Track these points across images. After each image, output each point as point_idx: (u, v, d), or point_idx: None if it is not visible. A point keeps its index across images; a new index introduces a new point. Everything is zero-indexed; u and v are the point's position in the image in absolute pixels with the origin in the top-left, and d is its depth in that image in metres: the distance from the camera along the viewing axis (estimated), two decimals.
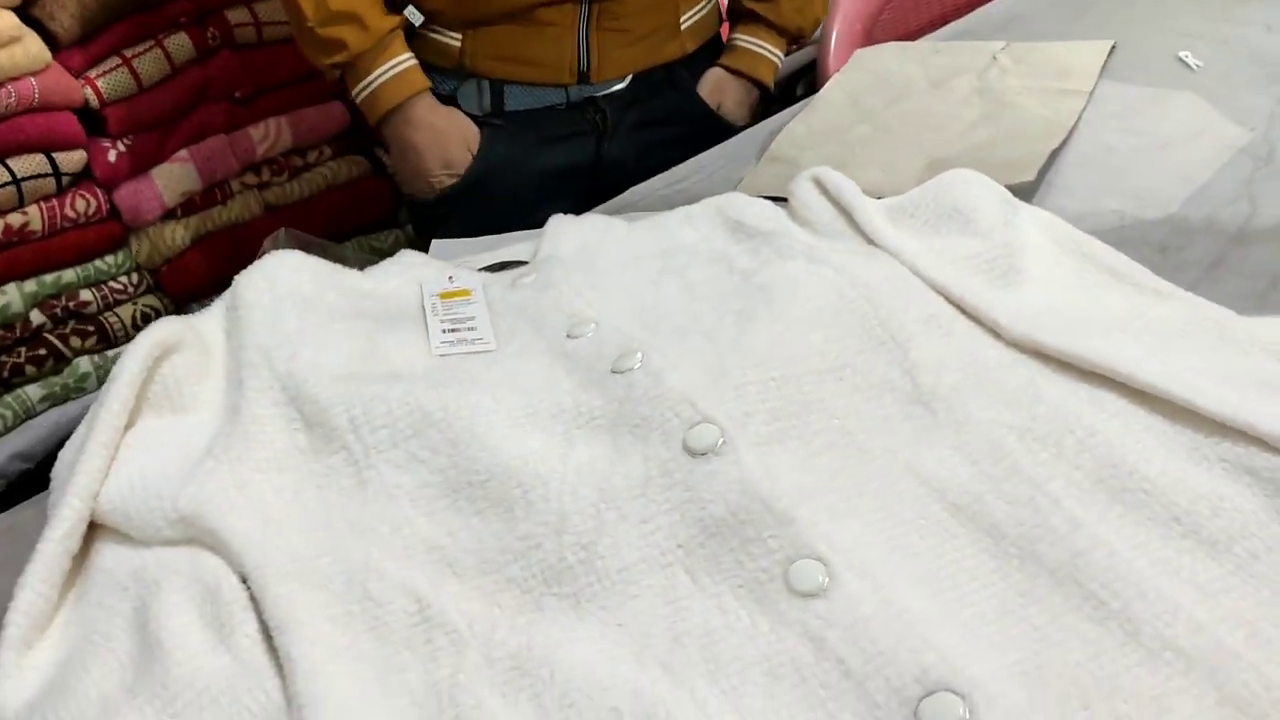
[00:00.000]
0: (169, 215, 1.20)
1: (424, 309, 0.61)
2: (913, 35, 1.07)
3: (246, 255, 0.63)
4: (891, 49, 0.93)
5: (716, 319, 0.53)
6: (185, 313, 1.15)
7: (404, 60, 0.99)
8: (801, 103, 0.89)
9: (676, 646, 0.40)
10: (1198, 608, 0.37)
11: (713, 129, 1.02)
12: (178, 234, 1.18)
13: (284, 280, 0.57)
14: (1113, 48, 0.86)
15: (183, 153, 1.20)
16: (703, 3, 1.06)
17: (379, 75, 0.99)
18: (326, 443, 0.50)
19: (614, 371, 0.51)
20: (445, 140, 1.01)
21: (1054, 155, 0.73)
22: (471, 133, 1.02)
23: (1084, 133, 0.76)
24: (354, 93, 1.00)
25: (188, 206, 1.21)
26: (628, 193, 0.83)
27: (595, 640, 0.41)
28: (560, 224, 0.68)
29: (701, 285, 0.57)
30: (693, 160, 0.85)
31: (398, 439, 0.49)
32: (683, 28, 1.05)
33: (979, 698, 0.35)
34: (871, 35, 1.12)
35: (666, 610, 0.42)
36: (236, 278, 0.58)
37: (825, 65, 1.06)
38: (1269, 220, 0.65)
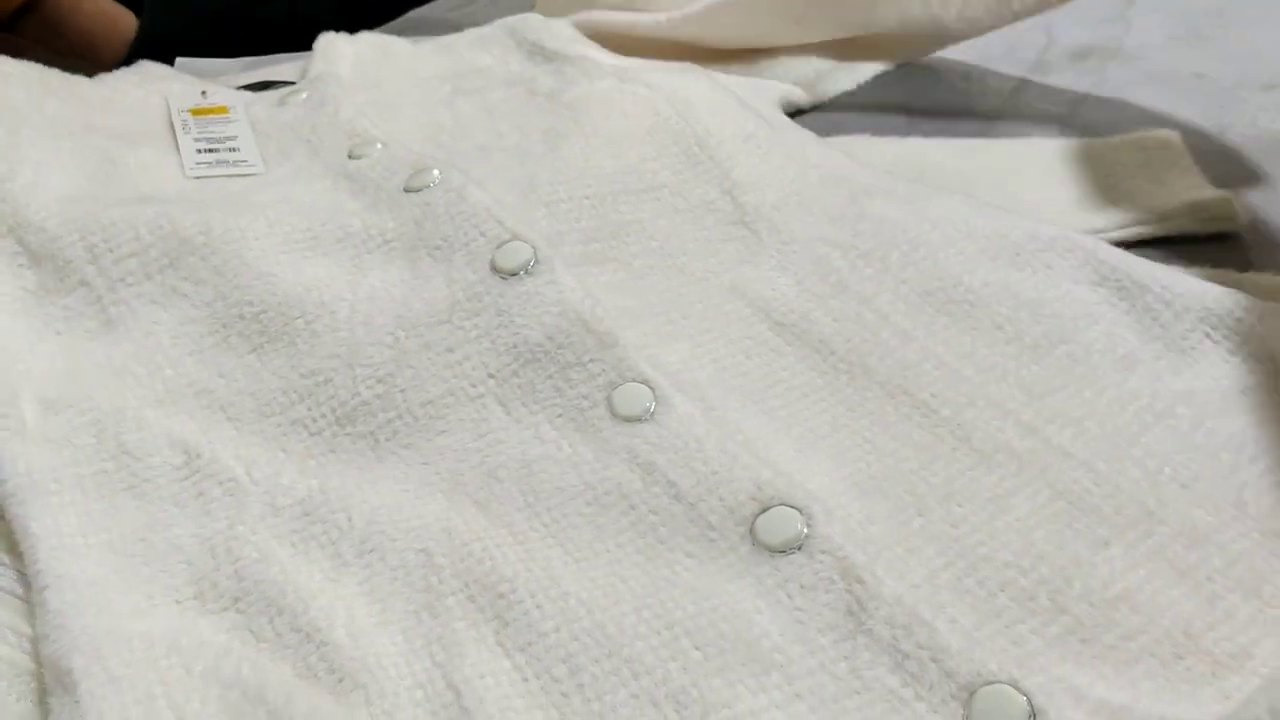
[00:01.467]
0: None
1: (173, 126, 0.54)
2: None
3: None
4: None
5: (521, 137, 0.49)
6: None
7: None
8: None
9: (491, 481, 0.37)
10: (1025, 410, 0.38)
11: None
12: None
13: None
14: None
15: None
16: None
17: None
18: (60, 279, 0.43)
19: (407, 190, 0.46)
20: None
21: None
22: None
23: None
24: None
25: None
26: (405, 16, 0.77)
27: (398, 480, 0.38)
28: (332, 41, 0.62)
29: (501, 105, 0.53)
30: None
31: (150, 269, 0.43)
32: None
33: (816, 509, 0.34)
34: None
35: (478, 444, 0.38)
36: None
37: None
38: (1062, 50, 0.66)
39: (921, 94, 0.62)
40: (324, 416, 0.39)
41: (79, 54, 0.76)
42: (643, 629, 0.33)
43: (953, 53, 0.64)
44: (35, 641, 0.33)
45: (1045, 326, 0.40)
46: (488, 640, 0.33)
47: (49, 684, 0.32)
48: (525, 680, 0.32)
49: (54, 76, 0.53)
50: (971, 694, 0.30)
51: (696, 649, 0.32)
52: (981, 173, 0.52)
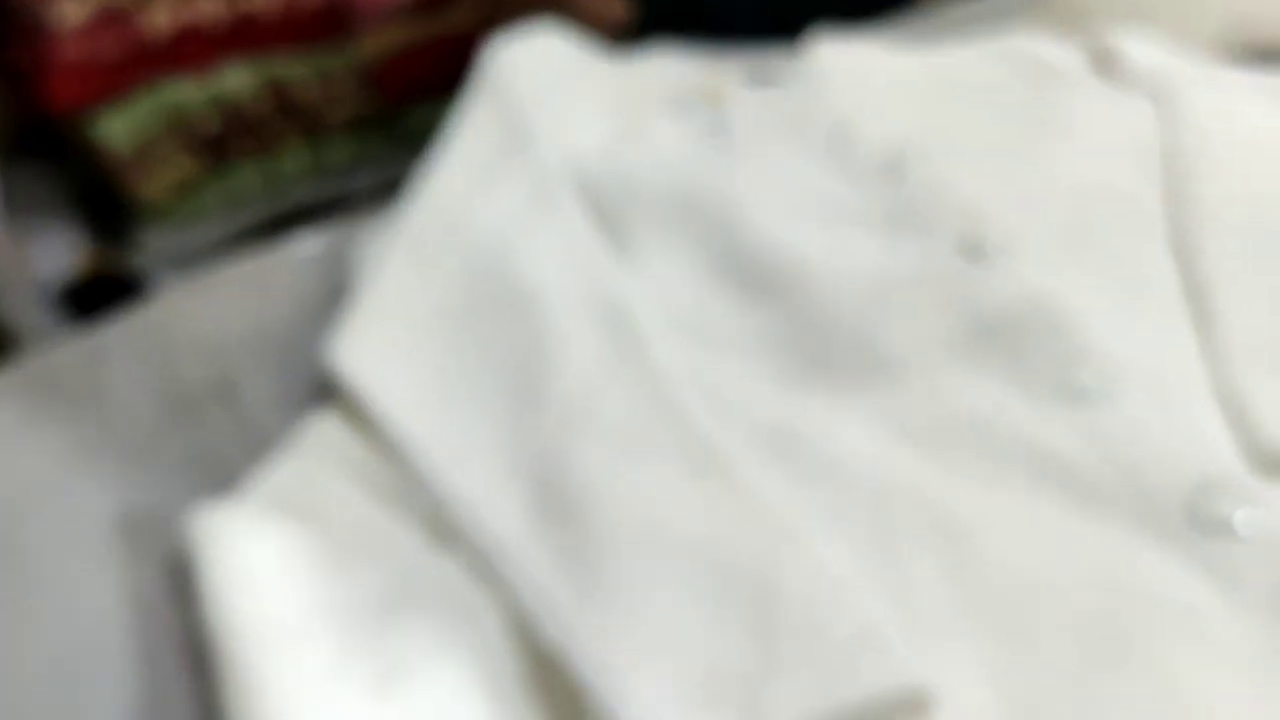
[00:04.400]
0: (395, 12, 1.25)
1: (675, 103, 0.63)
2: None
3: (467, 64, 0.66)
4: None
5: (1001, 133, 0.55)
6: (397, 115, 1.22)
7: None
8: None
9: (943, 434, 0.43)
10: None
11: None
12: (401, 33, 1.23)
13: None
14: None
15: None
16: None
17: None
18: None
19: (888, 174, 0.53)
20: None
21: None
22: None
23: None
24: None
25: (416, 4, 1.25)
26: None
27: (860, 424, 0.44)
28: (818, 43, 0.69)
29: (984, 102, 0.58)
30: None
31: (667, 219, 0.52)
32: None
33: (1256, 497, 0.37)
34: None
35: (933, 400, 0.44)
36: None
37: None
38: None
39: None
40: (799, 360, 0.47)
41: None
42: (1084, 583, 0.37)
43: None
44: None
45: None
46: (935, 567, 0.38)
47: None
48: (966, 608, 0.37)
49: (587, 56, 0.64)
50: None
51: (1135, 608, 0.36)
52: None
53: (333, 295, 0.54)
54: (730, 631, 0.36)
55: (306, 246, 0.60)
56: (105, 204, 1.11)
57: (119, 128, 1.05)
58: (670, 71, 0.67)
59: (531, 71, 0.59)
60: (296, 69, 1.17)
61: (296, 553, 0.41)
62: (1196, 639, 0.35)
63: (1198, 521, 0.38)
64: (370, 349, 0.48)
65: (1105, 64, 0.61)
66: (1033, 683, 0.35)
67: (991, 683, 0.35)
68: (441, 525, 0.42)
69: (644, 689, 0.34)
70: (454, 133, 0.57)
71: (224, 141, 1.13)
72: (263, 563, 0.40)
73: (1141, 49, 0.61)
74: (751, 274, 0.49)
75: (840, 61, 0.65)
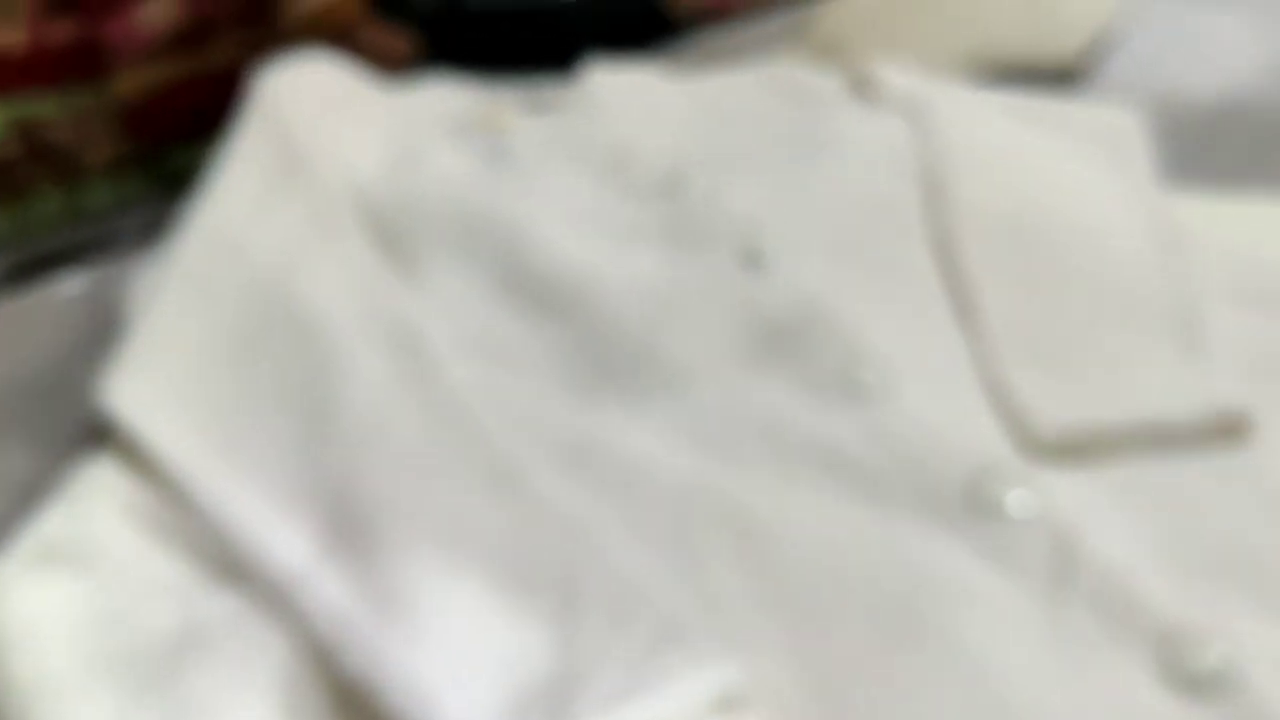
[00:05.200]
0: (153, 50, 1.20)
1: (452, 130, 0.64)
2: None
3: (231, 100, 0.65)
4: None
5: (773, 148, 0.57)
6: (159, 155, 1.17)
7: None
8: None
9: (735, 436, 0.44)
10: None
11: None
12: (159, 70, 1.18)
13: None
14: None
15: None
16: None
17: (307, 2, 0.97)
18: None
19: (665, 192, 0.54)
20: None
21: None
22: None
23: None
24: None
25: (173, 43, 1.21)
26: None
27: (653, 432, 0.45)
28: (597, 68, 0.71)
29: (757, 119, 0.61)
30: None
31: (454, 242, 0.52)
32: None
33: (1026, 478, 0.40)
34: None
35: (723, 405, 0.46)
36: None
37: None
38: None
39: None
40: (591, 373, 0.47)
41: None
42: (875, 570, 0.39)
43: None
44: None
45: None
46: (734, 565, 0.40)
47: None
48: (765, 601, 0.39)
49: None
50: (1169, 641, 0.35)
51: (924, 590, 0.38)
52: None
53: (100, 335, 0.51)
54: (535, 640, 0.36)
55: (69, 286, 0.57)
56: None
57: None
58: (448, 100, 0.67)
59: (304, 96, 0.58)
60: (47, 109, 1.11)
61: (73, 603, 0.39)
62: (983, 614, 0.37)
63: (974, 506, 0.40)
64: (146, 386, 0.46)
65: (863, 89, 0.65)
66: (834, 667, 0.37)
67: (793, 670, 0.37)
68: (231, 563, 0.40)
69: (454, 706, 0.34)
70: (224, 161, 0.56)
71: None
72: (37, 617, 0.39)
73: (896, 74, 0.65)
74: (539, 292, 0.50)
75: (615, 88, 0.67)
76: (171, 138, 1.18)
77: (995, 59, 0.76)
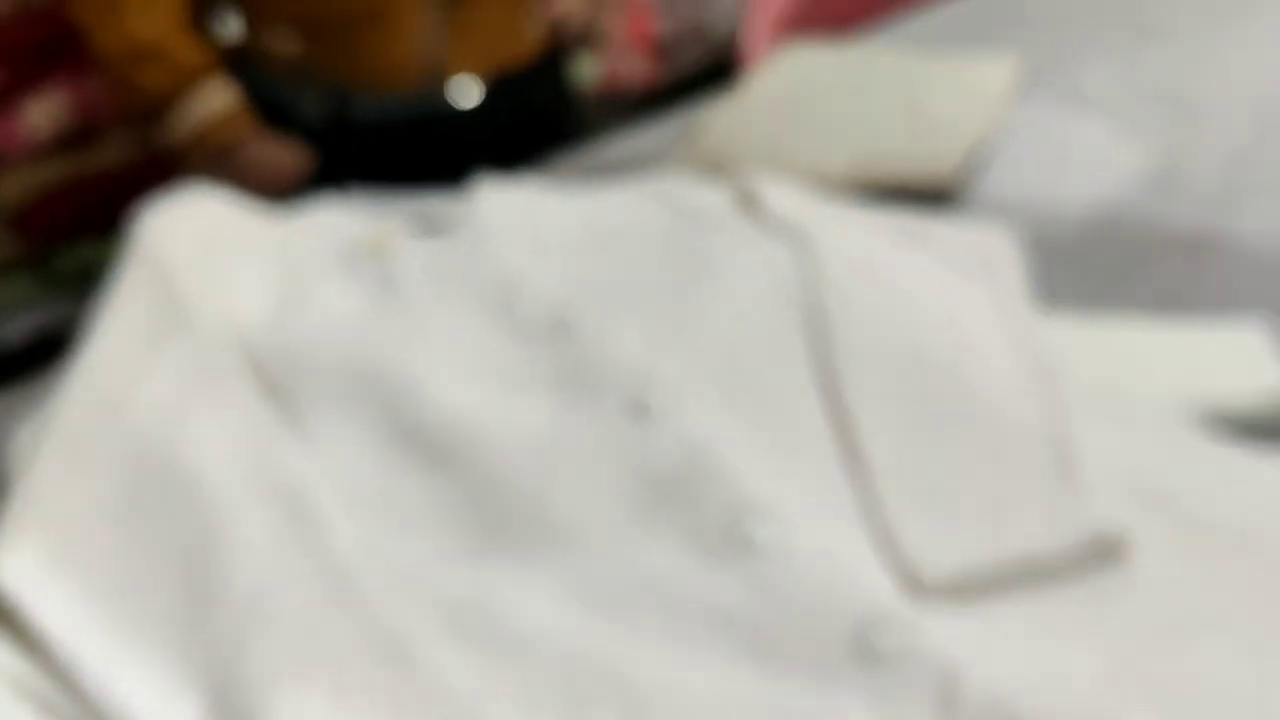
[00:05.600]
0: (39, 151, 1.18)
1: (340, 260, 0.63)
2: (824, 30, 1.15)
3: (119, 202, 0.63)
4: (811, 50, 1.00)
5: (660, 286, 0.58)
6: (46, 256, 1.15)
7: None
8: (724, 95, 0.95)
9: (624, 594, 0.45)
10: None
11: None
12: (44, 172, 1.16)
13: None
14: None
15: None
16: None
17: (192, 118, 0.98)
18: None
19: (553, 333, 0.55)
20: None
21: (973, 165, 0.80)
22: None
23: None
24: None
25: (60, 144, 1.19)
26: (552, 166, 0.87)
27: (542, 589, 0.45)
28: (487, 188, 0.72)
29: (644, 255, 0.62)
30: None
31: (341, 392, 0.52)
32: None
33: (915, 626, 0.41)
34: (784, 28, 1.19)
35: (612, 562, 0.46)
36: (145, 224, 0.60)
37: (744, 53, 1.13)
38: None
39: None
40: (481, 530, 0.48)
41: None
42: None
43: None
44: None
45: None
46: None
47: None
48: None
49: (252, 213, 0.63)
50: None
51: None
52: None
53: None
54: None
55: None
56: None
57: None
58: (336, 224, 0.67)
59: (184, 239, 0.58)
60: None
61: None
62: None
63: (861, 656, 0.42)
64: (28, 556, 0.45)
65: (748, 204, 0.67)
66: None
67: None
68: None
69: None
70: (105, 309, 0.55)
71: None
72: None
73: (778, 194, 0.66)
74: (428, 444, 0.50)
75: (504, 211, 0.68)
76: (58, 238, 1.16)
77: (875, 175, 0.78)
